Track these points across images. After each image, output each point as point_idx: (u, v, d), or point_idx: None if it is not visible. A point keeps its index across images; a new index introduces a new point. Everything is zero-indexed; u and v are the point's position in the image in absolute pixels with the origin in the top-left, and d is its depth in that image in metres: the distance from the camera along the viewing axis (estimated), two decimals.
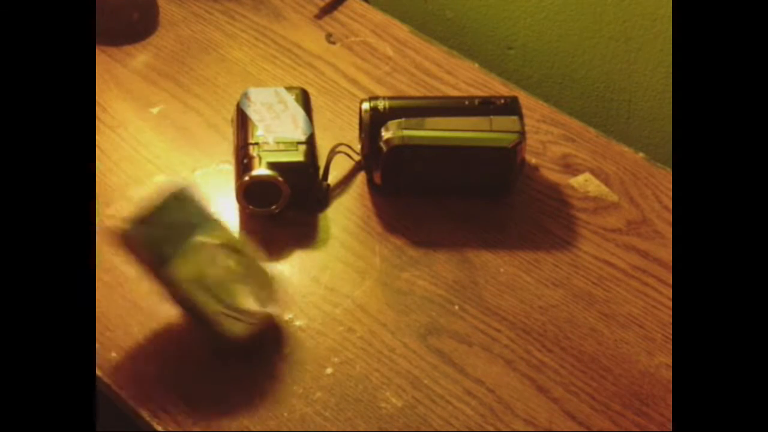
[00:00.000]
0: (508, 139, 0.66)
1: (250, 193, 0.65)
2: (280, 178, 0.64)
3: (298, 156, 0.66)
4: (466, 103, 0.68)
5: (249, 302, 0.57)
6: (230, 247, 0.58)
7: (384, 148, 0.65)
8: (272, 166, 0.64)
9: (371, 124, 0.67)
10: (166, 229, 0.57)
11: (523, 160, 0.68)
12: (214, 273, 0.57)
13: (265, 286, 0.59)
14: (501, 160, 0.67)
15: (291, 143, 0.66)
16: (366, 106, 0.67)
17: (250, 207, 0.65)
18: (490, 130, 0.66)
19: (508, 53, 0.93)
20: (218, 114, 0.75)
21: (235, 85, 0.77)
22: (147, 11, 0.83)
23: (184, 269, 0.55)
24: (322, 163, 0.69)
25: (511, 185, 0.69)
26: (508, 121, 0.66)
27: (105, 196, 0.68)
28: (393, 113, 0.67)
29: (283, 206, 0.65)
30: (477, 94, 0.71)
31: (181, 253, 0.56)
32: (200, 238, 0.56)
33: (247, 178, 0.64)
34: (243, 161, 0.65)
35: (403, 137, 0.65)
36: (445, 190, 0.69)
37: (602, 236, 0.67)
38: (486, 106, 0.67)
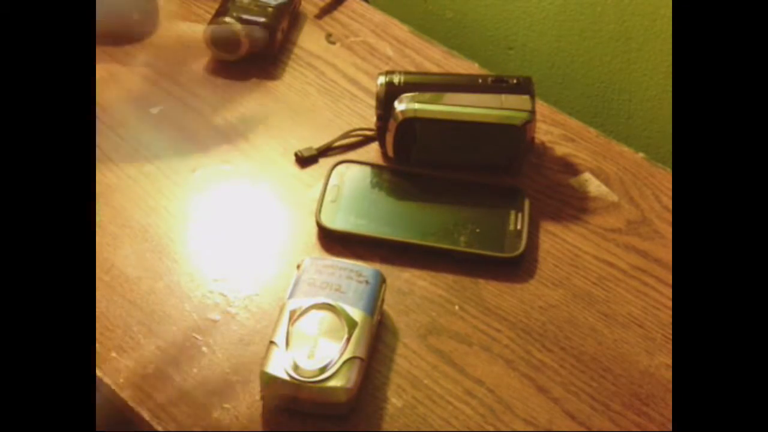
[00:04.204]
0: (517, 117, 0.66)
1: (216, 43, 0.77)
2: (241, 30, 0.76)
3: (265, 16, 0.78)
4: (480, 81, 0.69)
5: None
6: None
7: (396, 120, 0.67)
8: (239, 19, 0.76)
9: (386, 97, 0.68)
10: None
11: (533, 139, 0.69)
12: None
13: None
14: (510, 137, 0.67)
15: (263, 6, 0.79)
16: (382, 80, 0.69)
17: (215, 50, 0.77)
18: (501, 108, 0.67)
19: (508, 53, 0.93)
20: (218, 114, 0.75)
21: (235, 85, 0.77)
22: (147, 11, 0.83)
23: None
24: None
25: (520, 164, 0.70)
26: (519, 100, 0.67)
27: (105, 196, 0.68)
28: (407, 88, 0.68)
29: (242, 57, 0.77)
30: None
31: None
32: None
33: (213, 24, 0.76)
34: (216, 15, 0.78)
35: (415, 110, 0.67)
36: (456, 166, 0.70)
37: (602, 236, 0.67)
38: (498, 85, 0.68)
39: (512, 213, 0.67)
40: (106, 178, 0.69)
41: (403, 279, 0.63)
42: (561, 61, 0.90)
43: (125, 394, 0.56)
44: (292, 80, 0.78)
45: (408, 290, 0.63)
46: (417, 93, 0.68)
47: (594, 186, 0.71)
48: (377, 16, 0.85)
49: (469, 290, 0.63)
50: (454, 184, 0.69)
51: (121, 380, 0.57)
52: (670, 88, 0.82)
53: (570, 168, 0.72)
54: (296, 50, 0.81)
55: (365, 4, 0.87)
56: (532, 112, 0.67)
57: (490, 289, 0.63)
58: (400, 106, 0.67)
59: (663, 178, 0.72)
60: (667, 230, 0.68)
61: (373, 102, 0.70)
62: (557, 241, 0.67)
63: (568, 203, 0.70)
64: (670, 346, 0.60)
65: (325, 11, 0.85)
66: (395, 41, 0.83)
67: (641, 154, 0.74)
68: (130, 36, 0.81)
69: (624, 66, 0.85)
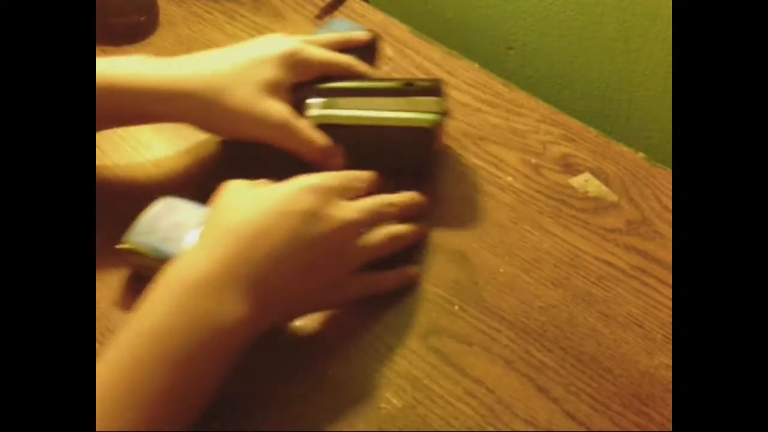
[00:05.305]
0: (426, 120, 0.65)
1: None
2: None
3: None
4: (389, 84, 0.68)
5: None
6: None
7: None
8: None
9: (295, 107, 0.66)
10: (164, 233, 0.60)
11: (441, 141, 0.68)
12: None
13: None
14: (419, 140, 0.66)
15: None
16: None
17: None
18: (410, 111, 0.66)
19: (508, 53, 0.94)
20: None
21: None
22: (147, 11, 0.83)
23: None
24: None
25: (429, 167, 0.70)
26: (429, 103, 0.66)
27: (105, 196, 0.68)
28: (316, 93, 0.66)
29: None
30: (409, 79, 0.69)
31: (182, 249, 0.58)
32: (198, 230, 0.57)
33: None
34: None
35: (323, 116, 0.65)
36: (370, 169, 0.66)
37: (602, 236, 0.67)
38: (408, 88, 0.67)
39: None
40: (106, 178, 0.69)
41: None
42: (561, 61, 0.90)
43: None
44: None
45: (408, 290, 0.63)
46: (325, 99, 0.66)
47: (594, 186, 0.71)
48: (377, 16, 0.85)
49: (469, 290, 0.63)
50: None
51: None
52: (670, 88, 0.82)
53: (570, 168, 0.72)
54: None
55: (365, 4, 0.87)
56: (442, 114, 0.66)
57: (490, 289, 0.63)
58: (307, 113, 0.65)
59: (663, 178, 0.72)
60: (667, 230, 0.68)
61: None
62: (557, 241, 0.67)
63: (568, 203, 0.70)
64: (670, 346, 0.60)
65: (325, 11, 0.85)
66: (395, 41, 0.83)
67: (641, 154, 0.74)
68: (130, 36, 0.81)
69: (624, 66, 0.85)
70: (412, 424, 0.55)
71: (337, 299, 0.59)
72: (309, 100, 0.66)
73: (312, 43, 0.69)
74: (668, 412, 0.57)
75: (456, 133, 0.74)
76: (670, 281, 0.64)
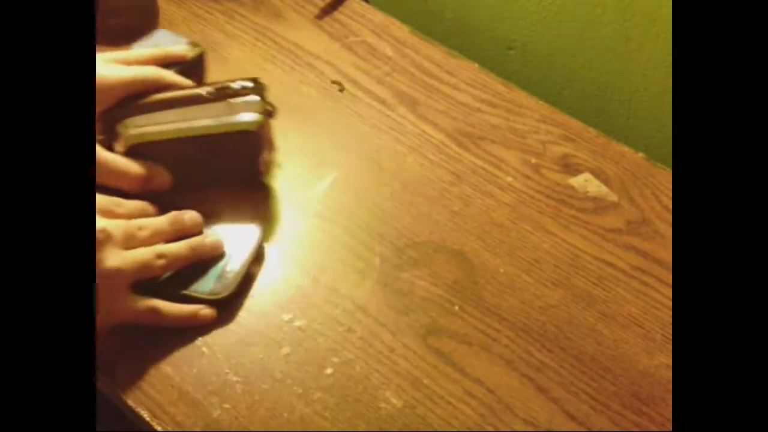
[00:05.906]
0: (248, 122, 0.63)
1: None
2: None
3: None
4: (205, 90, 0.64)
5: None
6: None
7: (122, 147, 0.63)
8: None
9: (107, 132, 0.64)
10: None
11: (271, 141, 0.66)
12: None
13: None
14: (247, 143, 0.64)
15: None
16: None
17: None
18: (231, 114, 0.63)
19: (508, 53, 0.94)
20: None
21: None
22: (147, 12, 0.83)
23: None
24: None
25: (261, 168, 0.67)
26: (249, 104, 0.64)
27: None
28: (129, 111, 0.63)
29: None
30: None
31: None
32: None
33: None
34: None
35: (140, 135, 0.63)
36: (203, 182, 0.66)
37: (602, 236, 0.67)
38: (224, 92, 0.64)
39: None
40: None
41: (403, 279, 0.63)
42: (561, 61, 0.90)
43: (125, 394, 0.56)
44: (292, 80, 0.78)
45: (408, 290, 0.63)
46: (140, 116, 0.63)
47: (594, 186, 0.71)
48: (377, 16, 0.85)
49: (469, 290, 0.63)
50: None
51: (122, 380, 0.57)
52: (670, 88, 0.82)
53: (570, 168, 0.72)
54: (296, 50, 0.81)
55: (365, 4, 0.87)
56: (265, 113, 0.63)
57: (490, 289, 0.63)
58: (123, 134, 0.63)
59: (663, 178, 0.72)
60: (667, 230, 0.68)
61: (373, 103, 0.70)
62: (557, 241, 0.67)
63: (568, 203, 0.70)
64: (670, 346, 0.60)
65: (325, 11, 0.85)
66: (395, 41, 0.83)
67: (641, 154, 0.74)
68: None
69: (624, 66, 0.85)
70: (412, 424, 0.55)
71: (109, 320, 0.57)
72: (123, 121, 0.63)
73: (120, 61, 0.64)
74: (668, 412, 0.57)
75: (456, 133, 0.74)
76: (670, 281, 0.64)
